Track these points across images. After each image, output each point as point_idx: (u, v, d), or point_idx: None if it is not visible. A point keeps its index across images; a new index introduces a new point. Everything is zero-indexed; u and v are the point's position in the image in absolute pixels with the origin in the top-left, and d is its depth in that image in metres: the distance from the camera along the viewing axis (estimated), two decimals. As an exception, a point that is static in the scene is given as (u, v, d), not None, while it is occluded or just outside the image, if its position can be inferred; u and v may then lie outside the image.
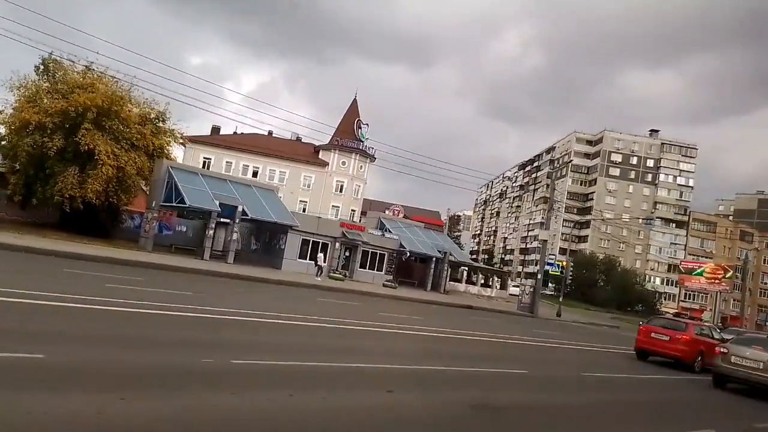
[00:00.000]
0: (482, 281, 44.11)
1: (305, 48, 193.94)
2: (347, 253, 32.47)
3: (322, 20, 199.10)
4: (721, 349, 13.41)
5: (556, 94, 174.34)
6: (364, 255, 33.15)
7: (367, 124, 73.73)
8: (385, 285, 31.56)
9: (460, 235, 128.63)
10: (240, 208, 26.87)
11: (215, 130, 75.86)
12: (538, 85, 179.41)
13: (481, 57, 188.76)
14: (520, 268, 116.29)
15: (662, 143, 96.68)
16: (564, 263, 39.82)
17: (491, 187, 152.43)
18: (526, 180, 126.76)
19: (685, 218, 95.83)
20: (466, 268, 44.26)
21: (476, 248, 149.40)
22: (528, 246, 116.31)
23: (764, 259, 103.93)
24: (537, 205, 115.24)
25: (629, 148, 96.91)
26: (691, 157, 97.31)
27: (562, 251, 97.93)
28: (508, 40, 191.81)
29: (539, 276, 36.18)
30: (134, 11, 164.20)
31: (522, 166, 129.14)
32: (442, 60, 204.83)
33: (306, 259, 29.67)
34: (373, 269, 33.51)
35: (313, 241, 30.29)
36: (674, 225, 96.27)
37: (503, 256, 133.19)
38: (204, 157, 69.09)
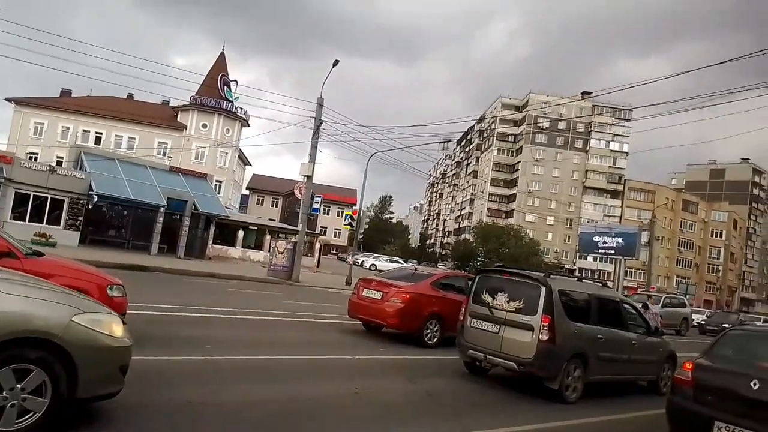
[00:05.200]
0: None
1: (290, 46, 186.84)
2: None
3: (307, 18, 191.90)
4: None
5: (544, 84, 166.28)
6: (20, 201, 23.20)
7: (235, 81, 63.20)
8: (34, 240, 21.60)
9: (391, 218, 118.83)
10: None
11: (65, 93, 65.74)
12: (526, 74, 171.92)
13: (469, 49, 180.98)
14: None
15: (593, 105, 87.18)
16: (354, 212, 30.04)
17: (437, 168, 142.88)
18: (462, 156, 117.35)
19: (620, 187, 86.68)
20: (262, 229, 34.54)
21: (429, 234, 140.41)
22: (461, 226, 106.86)
23: (712, 232, 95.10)
24: (468, 181, 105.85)
25: (557, 112, 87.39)
26: (626, 119, 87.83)
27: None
28: (495, 32, 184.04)
29: (302, 226, 26.62)
30: (117, 13, 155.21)
31: (459, 142, 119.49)
32: (430, 54, 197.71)
33: None
34: (41, 221, 23.54)
35: None
36: (608, 195, 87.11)
37: (443, 239, 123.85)
38: (35, 122, 59.03)
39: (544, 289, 7.46)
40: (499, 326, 7.71)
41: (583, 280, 9.14)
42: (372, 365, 8.18)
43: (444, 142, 26.27)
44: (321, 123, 26.25)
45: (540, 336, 7.28)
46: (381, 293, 11.05)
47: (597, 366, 7.89)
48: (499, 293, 7.86)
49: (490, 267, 10.06)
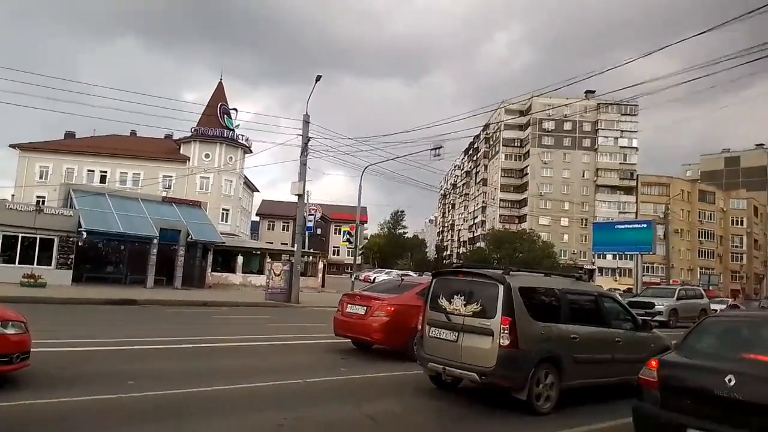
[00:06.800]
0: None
1: (298, 73, 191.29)
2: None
3: (314, 44, 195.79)
4: None
5: (549, 88, 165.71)
6: (9, 244, 22.98)
7: (235, 109, 63.64)
8: (23, 283, 21.31)
9: (405, 233, 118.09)
10: None
11: (69, 135, 66.85)
12: (531, 81, 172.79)
13: (473, 62, 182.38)
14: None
15: (598, 103, 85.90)
16: (352, 228, 29.43)
17: (447, 180, 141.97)
18: (470, 165, 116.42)
19: (633, 183, 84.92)
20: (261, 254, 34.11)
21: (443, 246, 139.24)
22: (475, 235, 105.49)
23: (732, 220, 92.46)
24: (478, 190, 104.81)
25: (561, 113, 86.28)
26: (632, 115, 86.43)
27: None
28: (498, 43, 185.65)
29: (298, 247, 25.98)
30: (128, 54, 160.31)
31: (466, 151, 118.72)
32: (436, 70, 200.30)
33: None
34: (32, 263, 23.18)
35: None
36: (621, 192, 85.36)
37: (459, 250, 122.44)
38: (40, 166, 59.70)
39: (501, 288, 6.63)
40: (457, 333, 6.88)
41: (553, 275, 8.25)
42: (320, 389, 7.33)
43: (435, 149, 25.53)
44: (309, 140, 25.77)
45: (501, 341, 6.44)
46: (365, 308, 10.39)
47: (573, 370, 6.99)
48: (455, 296, 7.05)
49: (446, 269, 9.23)
